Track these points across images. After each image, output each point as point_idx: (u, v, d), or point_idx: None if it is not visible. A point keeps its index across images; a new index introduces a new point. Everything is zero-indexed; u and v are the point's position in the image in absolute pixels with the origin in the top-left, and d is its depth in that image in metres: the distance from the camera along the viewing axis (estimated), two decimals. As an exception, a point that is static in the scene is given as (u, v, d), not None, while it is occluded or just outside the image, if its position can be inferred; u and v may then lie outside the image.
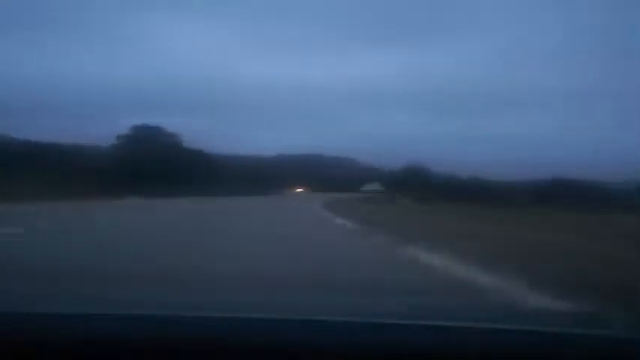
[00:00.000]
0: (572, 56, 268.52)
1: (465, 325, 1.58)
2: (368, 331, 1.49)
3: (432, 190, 62.09)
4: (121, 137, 78.73)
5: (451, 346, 1.43)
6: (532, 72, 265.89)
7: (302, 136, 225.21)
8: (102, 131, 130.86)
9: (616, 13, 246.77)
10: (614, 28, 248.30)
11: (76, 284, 4.94)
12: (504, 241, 12.75)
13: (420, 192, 58.10)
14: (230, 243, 11.18)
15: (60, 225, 16.26)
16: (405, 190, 66.54)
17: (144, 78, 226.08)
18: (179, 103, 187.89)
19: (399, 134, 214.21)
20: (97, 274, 6.51)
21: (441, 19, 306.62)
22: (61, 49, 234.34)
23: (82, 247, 10.53)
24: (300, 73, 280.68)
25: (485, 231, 15.49)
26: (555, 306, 5.28)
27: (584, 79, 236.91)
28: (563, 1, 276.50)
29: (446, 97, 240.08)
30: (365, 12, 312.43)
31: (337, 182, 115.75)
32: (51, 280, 5.27)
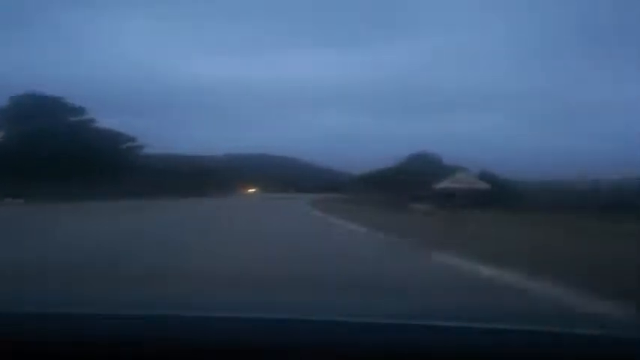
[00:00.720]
0: (507, 58, 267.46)
1: (465, 325, 1.59)
2: (368, 331, 1.51)
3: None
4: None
5: (451, 346, 1.44)
6: (467, 73, 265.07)
7: (248, 136, 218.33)
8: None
9: (551, 15, 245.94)
10: (549, 31, 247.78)
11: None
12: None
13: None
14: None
15: None
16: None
17: (84, 78, 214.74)
18: (120, 103, 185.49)
19: (342, 134, 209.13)
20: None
21: (381, 21, 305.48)
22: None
23: None
24: (245, 74, 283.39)
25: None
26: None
27: (518, 80, 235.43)
28: (498, 4, 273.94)
29: (387, 98, 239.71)
30: (309, 13, 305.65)
31: (285, 182, 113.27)
32: None
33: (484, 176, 42.15)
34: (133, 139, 62.09)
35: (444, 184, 38.63)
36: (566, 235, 13.41)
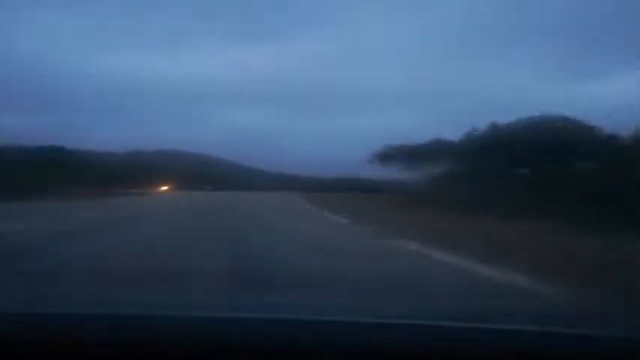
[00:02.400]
0: (414, 56, 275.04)
1: (465, 325, 1.59)
2: (368, 331, 1.49)
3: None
4: None
5: (452, 346, 1.41)
6: (379, 71, 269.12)
7: (156, 133, 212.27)
8: None
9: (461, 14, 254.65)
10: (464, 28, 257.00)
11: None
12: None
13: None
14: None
15: None
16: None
17: None
18: (16, 98, 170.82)
19: (250, 130, 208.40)
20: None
21: (288, 16, 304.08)
22: None
23: None
24: (155, 70, 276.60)
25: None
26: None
27: (424, 79, 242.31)
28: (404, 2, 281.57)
29: (298, 95, 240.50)
30: (221, 8, 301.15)
31: (199, 179, 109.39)
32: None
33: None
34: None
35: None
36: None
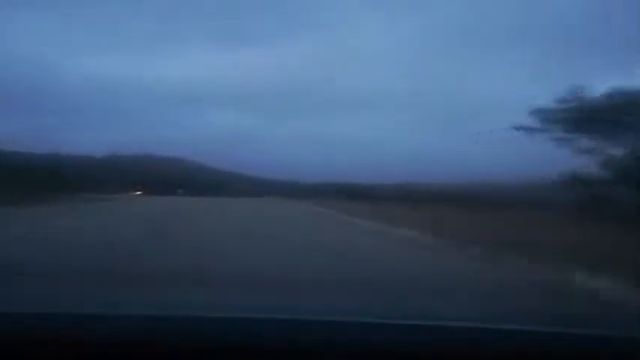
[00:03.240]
0: (404, 59, 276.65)
1: (466, 325, 1.57)
2: (368, 331, 1.49)
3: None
4: None
5: (452, 346, 1.42)
6: (362, 75, 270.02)
7: (132, 137, 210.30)
8: None
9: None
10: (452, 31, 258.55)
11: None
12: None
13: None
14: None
15: None
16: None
17: None
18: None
19: (229, 134, 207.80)
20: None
21: (276, 20, 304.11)
22: None
23: None
24: (132, 73, 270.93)
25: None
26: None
27: (414, 81, 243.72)
28: (396, 4, 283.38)
29: (279, 99, 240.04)
30: (200, 11, 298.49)
31: (173, 183, 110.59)
32: None
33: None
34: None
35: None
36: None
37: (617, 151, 20.65)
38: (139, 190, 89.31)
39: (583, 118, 21.26)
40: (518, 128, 23.47)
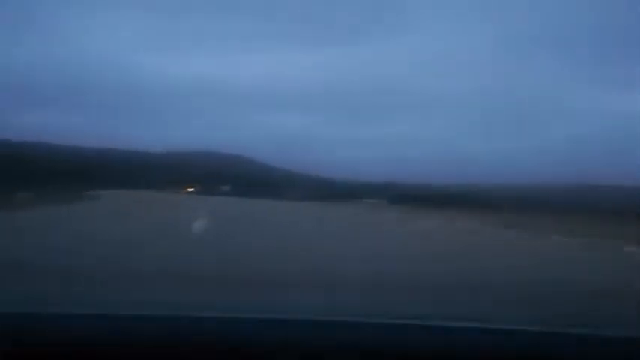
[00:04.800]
0: (474, 61, 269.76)
1: (466, 325, 1.60)
2: (368, 331, 1.51)
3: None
4: None
5: (452, 346, 1.43)
6: (439, 76, 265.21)
7: (196, 133, 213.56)
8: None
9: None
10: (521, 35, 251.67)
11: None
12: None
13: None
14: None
15: None
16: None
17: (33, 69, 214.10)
18: (56, 97, 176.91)
19: (297, 135, 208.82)
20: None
21: (349, 20, 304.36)
22: None
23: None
24: (198, 71, 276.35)
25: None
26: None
27: (487, 83, 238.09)
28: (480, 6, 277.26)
29: (345, 100, 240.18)
30: (272, 10, 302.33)
31: (236, 182, 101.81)
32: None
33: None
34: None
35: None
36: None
37: None
38: (190, 188, 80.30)
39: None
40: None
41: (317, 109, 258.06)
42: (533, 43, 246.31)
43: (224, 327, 1.49)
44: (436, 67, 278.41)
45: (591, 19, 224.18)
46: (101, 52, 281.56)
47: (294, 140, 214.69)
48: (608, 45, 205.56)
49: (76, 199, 34.79)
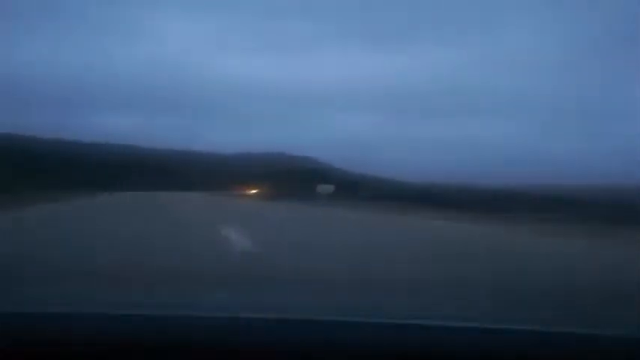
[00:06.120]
0: (543, 64, 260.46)
1: (465, 325, 1.60)
2: (368, 331, 1.49)
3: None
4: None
5: (452, 346, 1.42)
6: (492, 78, 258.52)
7: (266, 136, 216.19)
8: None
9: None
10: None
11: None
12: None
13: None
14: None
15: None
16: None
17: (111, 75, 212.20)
18: (134, 100, 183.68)
19: (368, 136, 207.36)
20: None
21: (414, 24, 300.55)
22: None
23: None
24: (266, 74, 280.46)
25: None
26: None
27: (552, 88, 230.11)
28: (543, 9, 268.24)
29: (413, 102, 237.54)
30: (342, 14, 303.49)
31: (305, 184, 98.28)
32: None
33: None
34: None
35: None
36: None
37: None
38: (253, 189, 71.39)
39: None
40: None
41: (386, 110, 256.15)
42: (607, 43, 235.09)
43: (226, 327, 1.46)
44: (509, 67, 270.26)
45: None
46: (177, 55, 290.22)
47: (364, 142, 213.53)
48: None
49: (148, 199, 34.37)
